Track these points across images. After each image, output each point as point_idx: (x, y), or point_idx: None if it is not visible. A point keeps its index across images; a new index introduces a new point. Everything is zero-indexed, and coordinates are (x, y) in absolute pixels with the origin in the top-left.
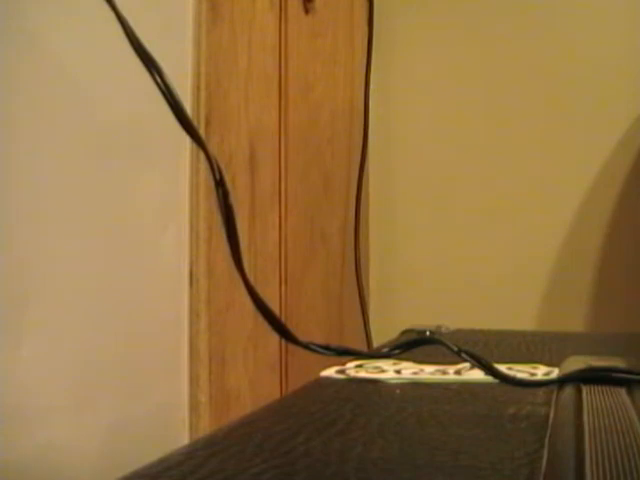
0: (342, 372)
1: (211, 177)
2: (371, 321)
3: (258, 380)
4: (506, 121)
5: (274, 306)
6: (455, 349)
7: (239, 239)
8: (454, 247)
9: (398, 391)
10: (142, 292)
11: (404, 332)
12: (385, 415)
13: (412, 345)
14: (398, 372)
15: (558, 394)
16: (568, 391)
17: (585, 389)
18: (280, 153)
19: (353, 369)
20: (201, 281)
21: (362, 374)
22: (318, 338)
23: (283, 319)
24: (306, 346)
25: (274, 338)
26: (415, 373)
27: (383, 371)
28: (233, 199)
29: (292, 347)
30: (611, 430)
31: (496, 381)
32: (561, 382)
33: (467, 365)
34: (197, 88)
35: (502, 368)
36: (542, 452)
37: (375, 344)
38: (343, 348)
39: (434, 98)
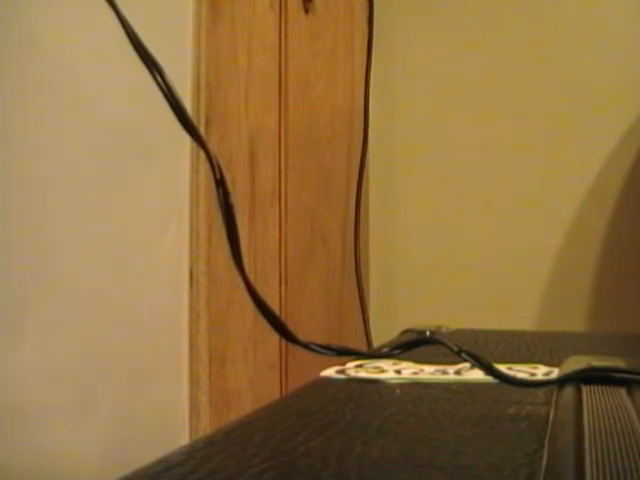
0: (342, 372)
1: (211, 177)
2: (371, 321)
3: (258, 380)
4: (506, 121)
5: (274, 306)
6: (455, 349)
7: (239, 239)
8: (454, 247)
9: (398, 391)
10: (142, 292)
11: (404, 332)
12: (385, 415)
13: (412, 345)
14: (398, 372)
15: (558, 394)
16: (568, 391)
17: (585, 389)
18: (280, 153)
19: (353, 369)
20: (201, 281)
21: (362, 374)
22: (318, 338)
23: (283, 319)
24: (306, 346)
25: (274, 338)
26: (415, 373)
27: (383, 371)
28: (233, 199)
29: (292, 347)
30: (611, 430)
31: (496, 381)
32: (561, 382)
33: (467, 365)
34: (197, 88)
35: (502, 368)
36: (542, 452)
37: (375, 344)
38: (343, 348)
39: (434, 98)
